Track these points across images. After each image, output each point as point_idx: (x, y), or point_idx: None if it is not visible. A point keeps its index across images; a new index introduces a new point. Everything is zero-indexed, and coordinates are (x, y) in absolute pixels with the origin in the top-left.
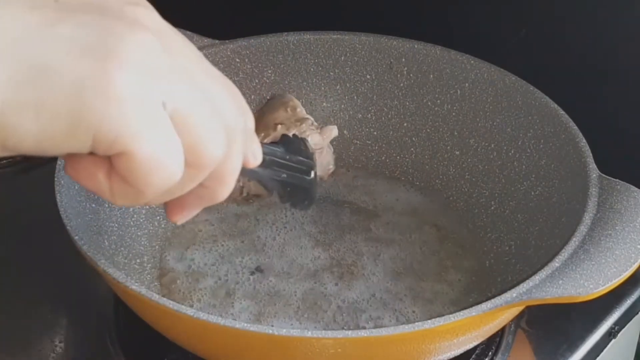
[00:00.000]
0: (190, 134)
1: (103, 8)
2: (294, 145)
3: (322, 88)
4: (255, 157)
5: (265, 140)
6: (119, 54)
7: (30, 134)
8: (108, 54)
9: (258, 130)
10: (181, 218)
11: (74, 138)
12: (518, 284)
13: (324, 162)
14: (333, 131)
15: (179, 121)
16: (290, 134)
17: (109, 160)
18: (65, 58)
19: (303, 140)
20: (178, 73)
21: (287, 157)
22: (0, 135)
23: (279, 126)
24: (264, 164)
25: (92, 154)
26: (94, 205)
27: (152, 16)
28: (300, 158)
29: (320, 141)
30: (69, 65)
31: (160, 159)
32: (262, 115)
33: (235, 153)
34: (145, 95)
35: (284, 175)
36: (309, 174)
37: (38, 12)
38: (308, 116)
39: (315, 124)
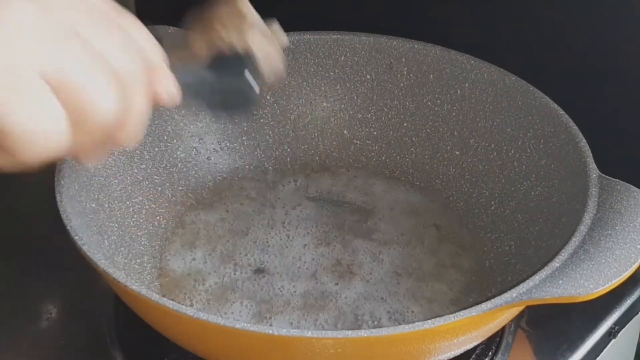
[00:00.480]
0: (72, 98)
1: None
2: (227, 61)
3: (322, 88)
4: (170, 95)
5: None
6: None
7: None
8: None
9: (203, 32)
10: (91, 162)
11: None
12: (518, 284)
13: (273, 66)
14: (278, 34)
15: (58, 85)
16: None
17: None
18: None
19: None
20: (55, 33)
21: (218, 77)
22: None
23: (219, 27)
24: (190, 94)
25: None
26: (94, 205)
27: None
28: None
29: (264, 43)
30: None
31: (36, 128)
32: (206, 15)
33: (135, 101)
34: (12, 64)
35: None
36: (241, 73)
37: None
38: (252, 13)
39: (263, 26)
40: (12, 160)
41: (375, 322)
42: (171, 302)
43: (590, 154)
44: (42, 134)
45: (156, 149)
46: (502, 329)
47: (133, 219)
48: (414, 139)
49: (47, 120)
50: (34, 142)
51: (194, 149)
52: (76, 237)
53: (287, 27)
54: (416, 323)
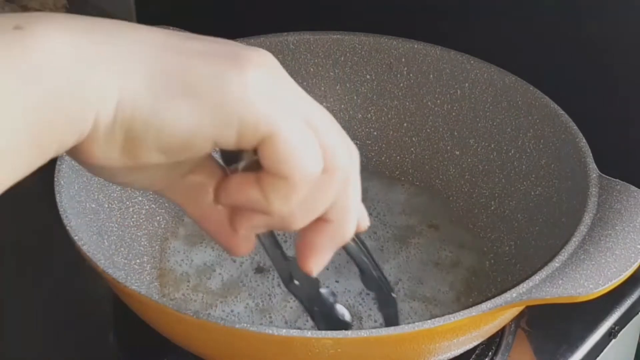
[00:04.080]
0: (323, 138)
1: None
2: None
3: (322, 88)
4: (365, 220)
5: None
6: (250, 58)
7: (182, 126)
8: (241, 58)
9: None
10: (314, 261)
11: (222, 127)
12: (518, 284)
13: None
14: None
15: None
16: None
17: (254, 174)
18: (203, 59)
19: None
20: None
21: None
22: (157, 131)
23: None
24: (362, 255)
25: (234, 172)
26: (94, 205)
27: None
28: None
29: None
30: (207, 64)
31: (303, 139)
32: None
33: (353, 181)
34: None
35: (378, 275)
36: (392, 291)
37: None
38: None
39: None
40: (284, 187)
41: (376, 322)
42: (171, 302)
43: (590, 154)
44: (305, 141)
45: None
46: (502, 329)
47: (133, 219)
48: (414, 139)
49: (307, 133)
50: (298, 148)
51: None
52: (76, 237)
53: (287, 27)
54: (416, 323)
